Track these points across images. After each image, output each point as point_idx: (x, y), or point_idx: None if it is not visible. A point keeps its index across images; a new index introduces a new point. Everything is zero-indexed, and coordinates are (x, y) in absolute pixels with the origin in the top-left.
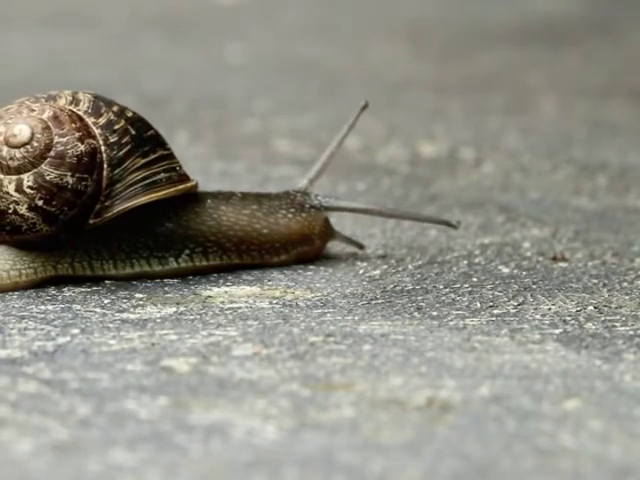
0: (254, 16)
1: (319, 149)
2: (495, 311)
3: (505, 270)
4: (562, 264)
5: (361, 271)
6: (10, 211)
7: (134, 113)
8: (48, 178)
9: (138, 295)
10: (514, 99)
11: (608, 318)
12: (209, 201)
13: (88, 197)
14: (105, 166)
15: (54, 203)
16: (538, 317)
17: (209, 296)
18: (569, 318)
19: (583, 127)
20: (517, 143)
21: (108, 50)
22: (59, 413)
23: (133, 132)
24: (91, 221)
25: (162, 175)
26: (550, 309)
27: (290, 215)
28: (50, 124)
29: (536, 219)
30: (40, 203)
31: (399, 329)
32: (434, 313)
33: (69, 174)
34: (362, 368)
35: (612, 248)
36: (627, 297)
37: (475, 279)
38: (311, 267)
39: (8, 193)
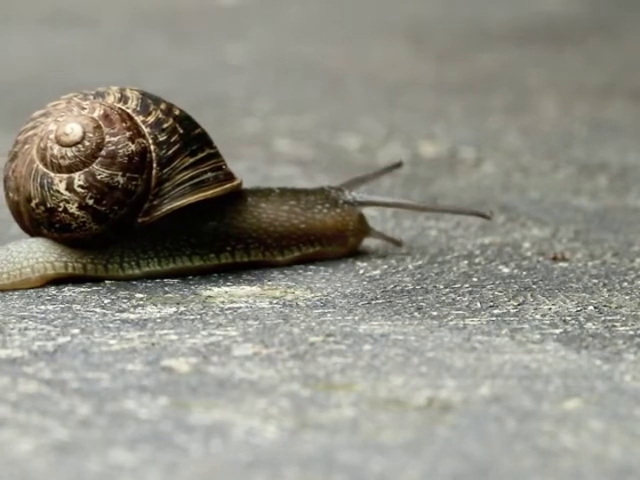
0: (254, 16)
1: (319, 149)
2: (495, 311)
3: (505, 270)
4: (562, 264)
5: (361, 271)
6: (60, 209)
7: (181, 111)
8: (99, 177)
9: (138, 295)
10: (514, 99)
11: (608, 318)
12: (249, 199)
13: (138, 196)
14: (154, 165)
15: (104, 202)
16: (538, 317)
17: (209, 296)
18: (569, 318)
19: (583, 127)
20: (517, 143)
21: (108, 50)
22: (59, 413)
23: (181, 131)
24: (140, 220)
25: (209, 174)
26: (550, 309)
27: (325, 210)
28: (101, 123)
29: (536, 219)
30: (91, 202)
31: (399, 329)
32: (434, 313)
33: (120, 174)
34: (362, 368)
35: (612, 248)
36: (627, 297)
37: (475, 279)
38: (311, 267)
39: (58, 191)
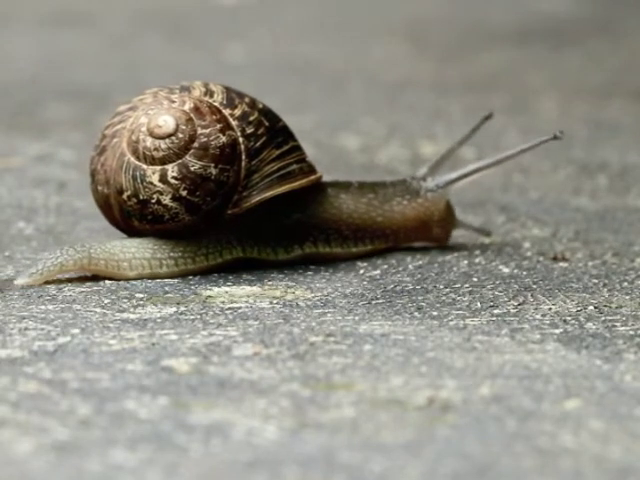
0: (254, 16)
1: (319, 149)
2: (495, 311)
3: (505, 270)
4: (562, 264)
5: (361, 271)
6: (153, 201)
7: (264, 105)
8: (192, 169)
9: (138, 295)
10: (514, 99)
11: (608, 318)
12: (329, 190)
13: (229, 187)
14: (243, 157)
15: (198, 193)
16: (538, 317)
17: (209, 296)
18: (569, 318)
19: (583, 127)
20: (517, 143)
21: (108, 50)
22: (59, 413)
23: (267, 123)
24: (229, 211)
25: (295, 166)
26: (550, 309)
27: (405, 202)
28: (192, 115)
29: (536, 219)
30: (184, 193)
31: (399, 329)
32: (434, 313)
33: (212, 165)
34: (362, 368)
35: (612, 248)
36: (627, 297)
37: (475, 279)
38: (311, 267)
39: (152, 183)
